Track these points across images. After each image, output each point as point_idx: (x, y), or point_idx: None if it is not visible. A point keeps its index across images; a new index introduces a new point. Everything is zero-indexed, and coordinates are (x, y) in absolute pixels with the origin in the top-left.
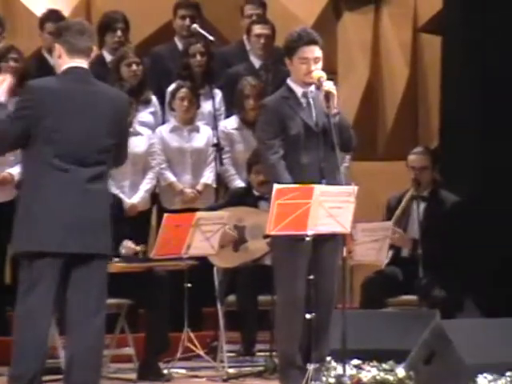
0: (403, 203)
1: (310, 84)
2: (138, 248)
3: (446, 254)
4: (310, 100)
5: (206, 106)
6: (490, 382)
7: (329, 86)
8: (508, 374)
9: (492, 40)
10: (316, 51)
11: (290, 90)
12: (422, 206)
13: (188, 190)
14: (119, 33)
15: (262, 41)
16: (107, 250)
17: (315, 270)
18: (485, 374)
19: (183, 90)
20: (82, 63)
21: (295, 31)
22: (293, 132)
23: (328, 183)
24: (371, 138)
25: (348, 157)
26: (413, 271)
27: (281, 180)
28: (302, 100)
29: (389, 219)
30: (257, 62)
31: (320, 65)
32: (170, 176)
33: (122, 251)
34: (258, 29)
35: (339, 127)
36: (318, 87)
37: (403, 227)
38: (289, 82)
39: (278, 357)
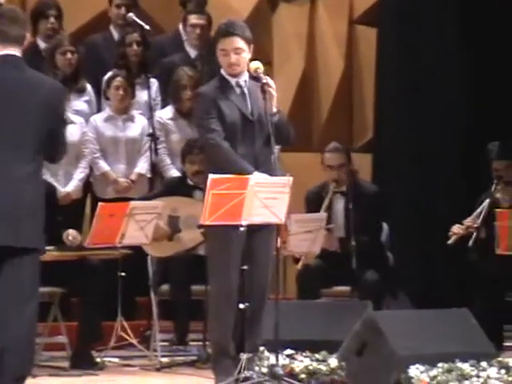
0: (327, 200)
1: (238, 74)
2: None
3: (375, 245)
4: (245, 89)
5: (142, 96)
6: (421, 372)
7: (270, 86)
8: (439, 364)
9: (426, 33)
10: (235, 42)
11: (224, 80)
12: (344, 200)
13: (121, 180)
14: (52, 20)
15: (198, 31)
16: (31, 242)
17: (249, 260)
18: (416, 365)
19: (118, 79)
20: (15, 51)
21: (222, 23)
22: (229, 121)
23: (263, 173)
24: (306, 129)
25: (277, 146)
26: (345, 262)
27: (229, 157)
28: (237, 89)
29: (309, 212)
30: (192, 52)
31: (245, 55)
32: (104, 165)
33: (68, 240)
34: (193, 19)
35: (278, 125)
36: (255, 78)
37: (328, 224)
38: (223, 72)
39: (210, 346)
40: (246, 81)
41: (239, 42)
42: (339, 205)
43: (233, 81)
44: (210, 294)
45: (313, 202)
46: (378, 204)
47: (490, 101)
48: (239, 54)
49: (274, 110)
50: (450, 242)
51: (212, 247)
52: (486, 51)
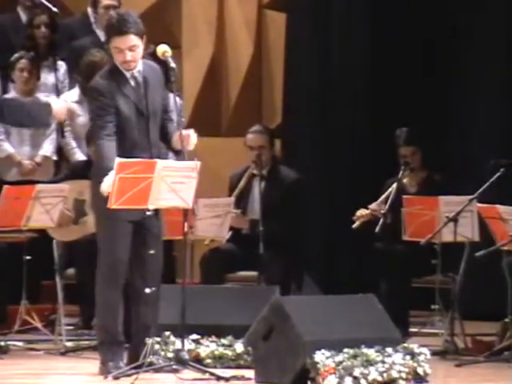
0: (242, 182)
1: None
2: None
3: (285, 231)
4: (140, 80)
5: (50, 78)
6: (327, 358)
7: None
8: (345, 350)
9: (335, 19)
10: (129, 40)
11: (118, 72)
12: (262, 184)
13: (26, 162)
14: None
15: (111, 13)
16: None
17: (142, 246)
18: (322, 351)
19: (23, 61)
20: None
21: (113, 16)
22: (124, 116)
23: None
24: (215, 114)
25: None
26: (253, 248)
27: (104, 162)
28: (131, 82)
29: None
30: (102, 35)
31: (139, 50)
32: (8, 147)
33: None
34: (106, 0)
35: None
36: (162, 61)
37: (243, 206)
38: (117, 62)
39: (97, 332)
40: (140, 70)
41: (133, 40)
42: (256, 188)
43: (128, 73)
44: (97, 279)
45: (234, 185)
46: (295, 191)
47: (399, 87)
48: (134, 50)
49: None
50: (354, 225)
51: (100, 233)
52: (394, 39)
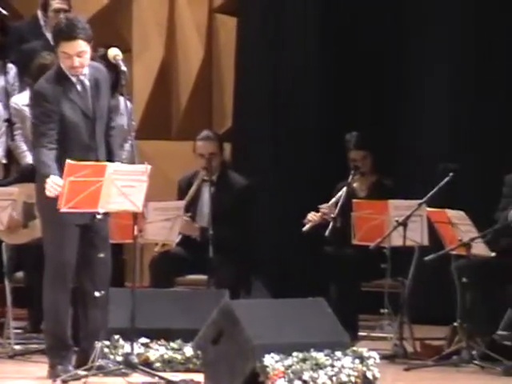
0: (193, 189)
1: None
2: None
3: (235, 235)
4: (86, 83)
5: (0, 81)
6: (276, 362)
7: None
8: (295, 354)
9: (286, 22)
10: (78, 46)
11: (64, 76)
12: (212, 189)
13: None
14: None
15: (61, 16)
16: None
17: (89, 246)
18: (272, 354)
19: None
20: None
21: (61, 20)
22: (69, 121)
23: None
24: (165, 117)
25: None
26: (203, 251)
27: (43, 169)
28: (78, 86)
29: (180, 199)
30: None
31: (87, 55)
32: None
33: None
34: (56, 4)
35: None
36: (113, 65)
37: (193, 211)
38: (62, 65)
39: (46, 335)
40: (86, 74)
41: (82, 45)
42: (206, 193)
43: (74, 78)
44: (45, 283)
45: (183, 189)
46: (245, 197)
47: (349, 91)
48: (82, 56)
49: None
50: (305, 229)
51: (47, 237)
52: (346, 40)
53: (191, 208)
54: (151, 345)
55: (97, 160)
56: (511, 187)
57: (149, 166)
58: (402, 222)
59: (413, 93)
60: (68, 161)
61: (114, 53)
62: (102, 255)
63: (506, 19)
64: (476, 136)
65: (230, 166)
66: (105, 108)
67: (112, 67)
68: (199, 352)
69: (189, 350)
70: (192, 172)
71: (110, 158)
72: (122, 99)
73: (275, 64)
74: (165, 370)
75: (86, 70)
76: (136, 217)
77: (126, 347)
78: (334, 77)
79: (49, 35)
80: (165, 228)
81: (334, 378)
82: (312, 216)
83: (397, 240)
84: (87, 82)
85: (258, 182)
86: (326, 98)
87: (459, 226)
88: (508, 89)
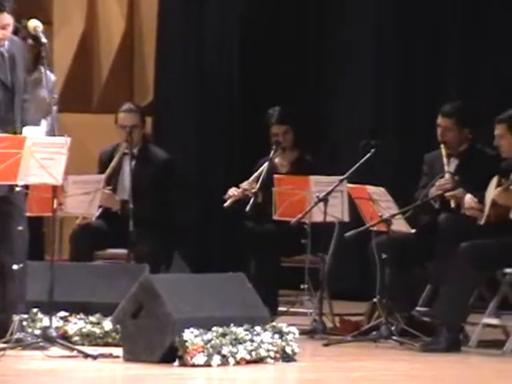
0: (114, 161)
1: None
2: None
3: (155, 209)
4: (5, 55)
5: None
6: (196, 336)
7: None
8: (214, 328)
9: None
10: (4, 18)
11: None
12: (133, 163)
13: None
14: None
15: None
16: None
17: (7, 219)
18: (191, 329)
19: None
20: None
21: None
22: None
23: None
24: (86, 90)
25: (55, 108)
26: (123, 225)
27: None
28: None
29: (101, 173)
30: None
31: (11, 28)
32: None
33: None
34: None
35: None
36: (31, 37)
37: (114, 184)
38: None
39: None
40: (5, 46)
41: (7, 18)
42: (127, 167)
43: None
44: None
45: (104, 162)
46: (166, 171)
47: (271, 65)
48: (6, 29)
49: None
50: (226, 204)
51: None
52: (266, 15)
53: (112, 181)
54: (70, 318)
55: (14, 133)
56: (431, 165)
57: (68, 139)
58: (322, 198)
59: (336, 69)
60: None
61: (34, 24)
62: (20, 228)
63: None
64: (398, 114)
65: (151, 139)
66: (21, 81)
67: (32, 39)
68: (118, 326)
69: (108, 324)
70: (113, 145)
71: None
72: (42, 70)
73: (198, 37)
74: (83, 344)
75: (6, 44)
76: (55, 190)
77: (45, 321)
78: (258, 50)
79: None
80: (84, 202)
81: (253, 353)
82: (233, 191)
83: (317, 216)
84: (6, 54)
85: (179, 156)
86: (249, 72)
87: (380, 203)
88: (431, 67)
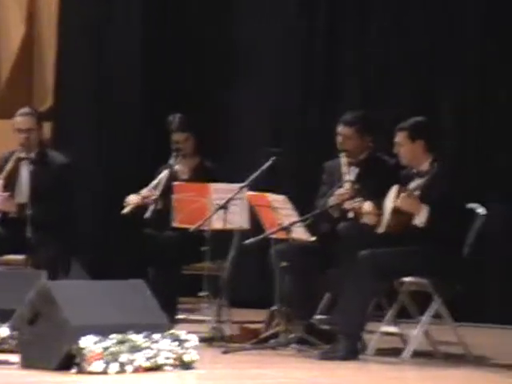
0: (9, 165)
1: None
2: None
3: (54, 215)
4: None
5: None
6: (94, 343)
7: None
8: (112, 336)
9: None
10: None
11: None
12: (31, 167)
13: None
14: None
15: None
16: None
17: None
18: (89, 336)
19: None
20: None
21: None
22: None
23: None
24: None
25: None
26: (21, 231)
27: None
28: None
29: None
30: None
31: None
32: None
33: None
34: None
35: None
36: None
37: (11, 189)
38: None
39: None
40: None
41: None
42: (25, 171)
43: None
44: None
45: (1, 167)
46: (65, 175)
47: (172, 72)
48: None
49: None
50: (124, 211)
51: None
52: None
53: (9, 185)
54: None
55: None
56: (331, 174)
57: None
58: (222, 205)
59: (236, 75)
60: None
61: None
62: None
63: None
64: (298, 123)
65: (49, 144)
66: None
67: None
68: (15, 332)
69: (4, 331)
70: (11, 151)
71: None
72: None
73: (99, 40)
74: None
75: None
76: None
77: None
78: (158, 56)
79: None
80: None
81: (152, 361)
82: (132, 198)
83: (217, 223)
84: None
85: (79, 161)
86: (150, 79)
87: (280, 210)
88: (330, 73)
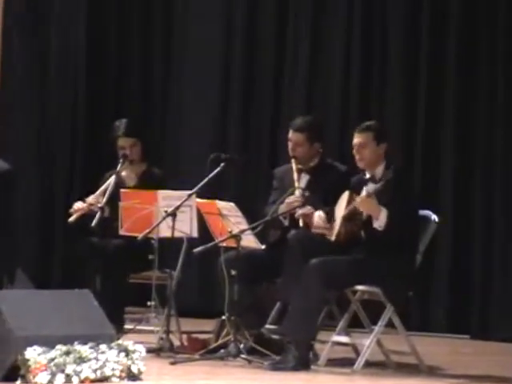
0: None
1: None
2: None
3: None
4: None
5: None
6: (39, 354)
7: None
8: (58, 346)
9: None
10: None
11: None
12: None
13: None
14: None
15: None
16: None
17: None
18: (34, 347)
19: None
20: None
21: None
22: None
23: None
24: None
25: None
26: None
27: None
28: None
29: None
30: None
31: None
32: None
33: None
34: None
35: None
36: None
37: None
38: None
39: None
40: None
41: None
42: None
43: None
44: None
45: None
46: (5, 183)
47: (117, 76)
48: None
49: None
50: (70, 219)
51: None
52: (112, 25)
53: None
54: None
55: None
56: (281, 180)
57: None
58: (170, 213)
59: (181, 78)
60: None
61: None
62: None
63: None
64: (243, 126)
65: None
66: None
67: None
68: None
69: None
70: None
71: None
72: None
73: (42, 44)
74: None
75: None
76: None
77: None
78: (103, 60)
79: None
80: None
81: (98, 372)
82: (78, 206)
83: (165, 231)
84: None
85: (19, 167)
86: (93, 83)
87: (229, 218)
88: (278, 75)
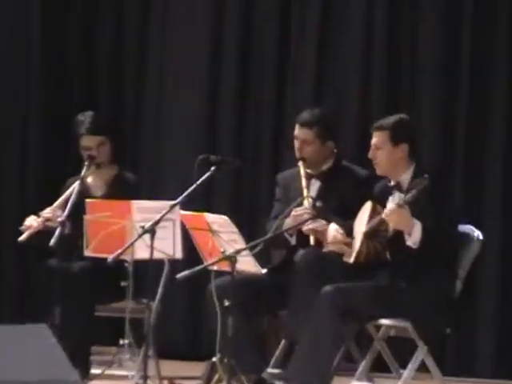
0: None
1: None
2: None
3: None
4: None
5: None
6: None
7: None
8: None
9: None
10: None
11: None
12: None
13: None
14: None
15: None
16: None
17: None
18: None
19: None
20: None
21: None
22: None
23: None
24: None
25: None
26: None
27: None
28: None
29: None
30: None
31: None
32: None
33: None
34: None
35: None
36: None
37: None
38: None
39: None
40: None
41: None
42: None
43: None
44: None
45: None
46: None
47: (85, 69)
48: None
49: None
50: (21, 238)
51: None
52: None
53: None
54: None
55: None
56: (286, 188)
57: None
58: (148, 229)
59: (158, 76)
60: None
61: None
62: None
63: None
64: (242, 125)
65: None
66: None
67: None
68: None
69: None
70: None
71: None
72: None
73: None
74: None
75: None
76: None
77: None
78: (60, 51)
79: None
80: None
81: None
82: (31, 221)
83: (142, 251)
84: None
85: None
86: (58, 78)
87: (221, 235)
88: (270, 79)
